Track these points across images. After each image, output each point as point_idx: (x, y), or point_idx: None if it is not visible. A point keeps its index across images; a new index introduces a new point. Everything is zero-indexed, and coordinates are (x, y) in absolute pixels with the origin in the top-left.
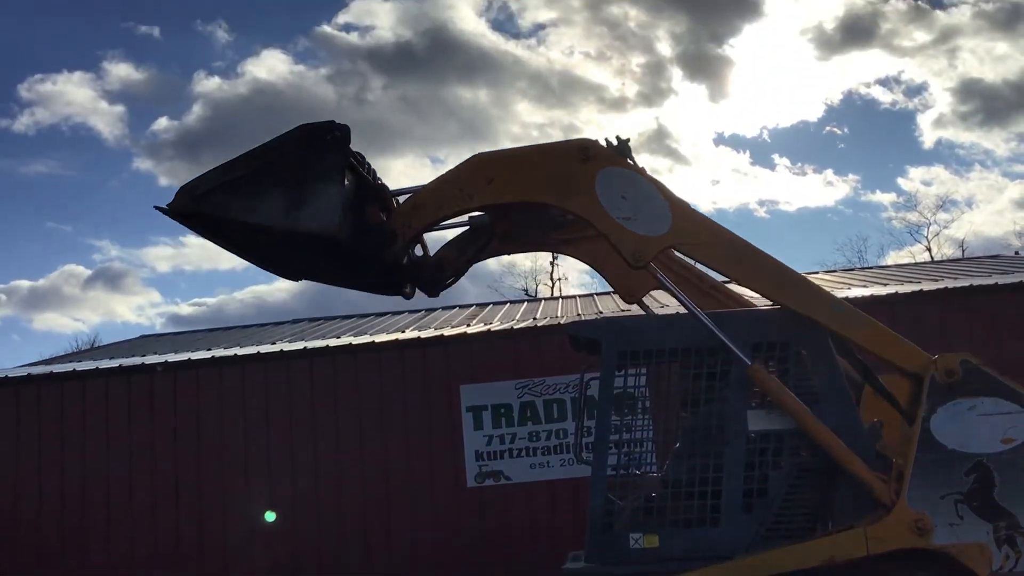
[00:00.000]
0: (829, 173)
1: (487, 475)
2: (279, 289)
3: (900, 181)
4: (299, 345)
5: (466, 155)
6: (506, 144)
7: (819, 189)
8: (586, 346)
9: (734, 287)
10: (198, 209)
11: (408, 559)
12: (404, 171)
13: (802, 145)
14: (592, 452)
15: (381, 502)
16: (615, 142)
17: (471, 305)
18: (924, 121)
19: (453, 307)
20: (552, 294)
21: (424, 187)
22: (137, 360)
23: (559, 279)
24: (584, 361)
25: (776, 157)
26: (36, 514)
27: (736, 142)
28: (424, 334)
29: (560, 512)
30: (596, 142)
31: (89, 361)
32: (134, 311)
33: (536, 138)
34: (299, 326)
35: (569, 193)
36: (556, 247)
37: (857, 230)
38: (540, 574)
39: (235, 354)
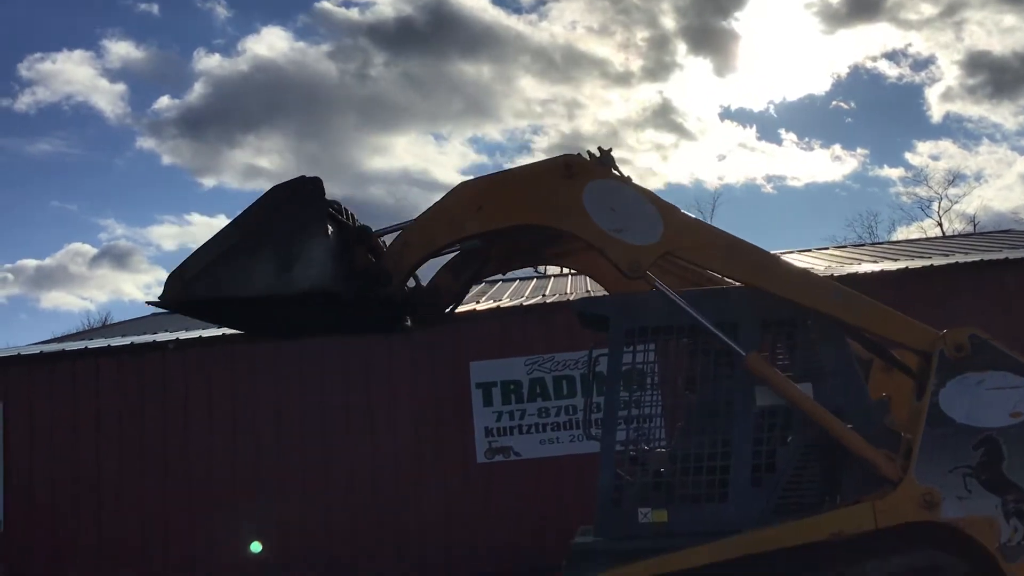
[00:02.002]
0: (837, 148)
1: (497, 451)
2: None
3: (908, 156)
4: None
5: (469, 132)
6: (510, 120)
7: (827, 164)
8: (594, 323)
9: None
10: (191, 294)
11: (417, 533)
12: (407, 148)
13: (809, 119)
14: (601, 428)
15: (390, 477)
16: (597, 154)
17: (480, 282)
18: (932, 95)
19: None
20: (561, 271)
21: (413, 222)
22: (148, 338)
23: None
24: (592, 338)
25: (783, 132)
26: (51, 493)
27: (742, 116)
28: None
29: (569, 487)
30: (579, 156)
31: (101, 339)
32: (141, 289)
33: (540, 113)
34: None
35: (559, 212)
36: (551, 261)
37: (866, 205)
38: (549, 549)
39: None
